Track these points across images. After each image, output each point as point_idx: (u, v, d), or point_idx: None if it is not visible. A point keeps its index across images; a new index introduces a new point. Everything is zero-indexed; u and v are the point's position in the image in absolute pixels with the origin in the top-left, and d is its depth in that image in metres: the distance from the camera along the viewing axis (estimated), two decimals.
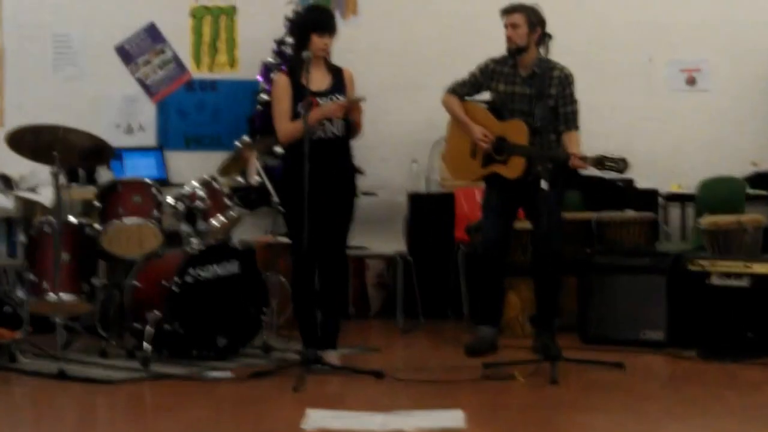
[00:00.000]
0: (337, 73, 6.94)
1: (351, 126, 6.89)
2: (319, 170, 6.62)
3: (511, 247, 7.50)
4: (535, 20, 7.25)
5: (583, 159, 7.05)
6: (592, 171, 8.82)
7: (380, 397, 6.32)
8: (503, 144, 7.25)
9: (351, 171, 7.03)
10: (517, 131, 7.21)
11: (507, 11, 7.30)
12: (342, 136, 6.87)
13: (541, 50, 7.14)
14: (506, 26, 7.28)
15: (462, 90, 7.44)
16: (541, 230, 7.08)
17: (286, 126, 6.83)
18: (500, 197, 7.35)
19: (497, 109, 7.35)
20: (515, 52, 7.26)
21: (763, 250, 7.77)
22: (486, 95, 7.50)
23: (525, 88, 7.26)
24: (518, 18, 7.24)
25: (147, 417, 6.17)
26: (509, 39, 7.26)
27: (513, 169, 7.23)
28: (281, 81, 6.91)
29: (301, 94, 6.78)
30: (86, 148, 6.99)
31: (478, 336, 7.38)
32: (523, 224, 7.67)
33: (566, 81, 7.27)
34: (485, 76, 7.38)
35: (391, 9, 9.34)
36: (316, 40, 6.79)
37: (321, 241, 6.72)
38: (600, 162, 7.04)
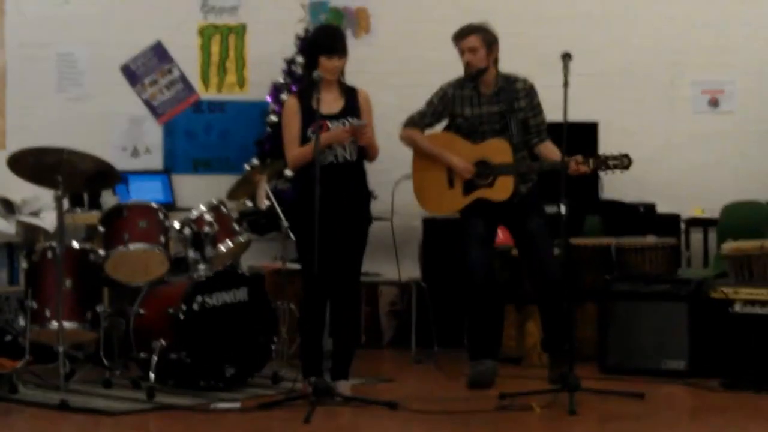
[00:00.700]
0: (351, 95, 6.94)
1: (364, 150, 6.88)
2: (330, 195, 6.61)
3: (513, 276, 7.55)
4: (491, 39, 7.25)
5: (585, 163, 7.00)
6: (613, 194, 8.85)
7: (393, 429, 6.35)
8: (487, 167, 7.17)
9: (364, 196, 7.01)
10: (500, 150, 7.16)
11: (461, 35, 7.26)
12: (354, 161, 6.86)
13: (561, 70, 6.98)
14: (462, 51, 7.24)
15: (422, 121, 7.39)
16: (541, 255, 7.13)
17: (295, 152, 6.85)
18: (483, 224, 7.26)
19: (465, 134, 7.27)
20: (476, 75, 7.22)
21: None
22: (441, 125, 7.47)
23: (493, 107, 7.23)
24: (474, 41, 7.21)
25: None
26: (468, 64, 7.23)
27: (502, 190, 7.17)
28: (290, 104, 6.94)
29: (311, 117, 6.79)
30: (91, 172, 6.99)
31: (480, 369, 7.27)
32: None
33: (532, 92, 7.27)
34: (445, 104, 7.33)
35: (404, 28, 9.34)
36: (325, 63, 6.79)
37: (333, 268, 6.70)
38: (603, 162, 7.03)
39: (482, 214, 7.25)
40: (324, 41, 6.87)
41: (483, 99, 7.26)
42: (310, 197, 6.63)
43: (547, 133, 7.27)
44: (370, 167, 7.07)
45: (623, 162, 6.99)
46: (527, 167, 7.17)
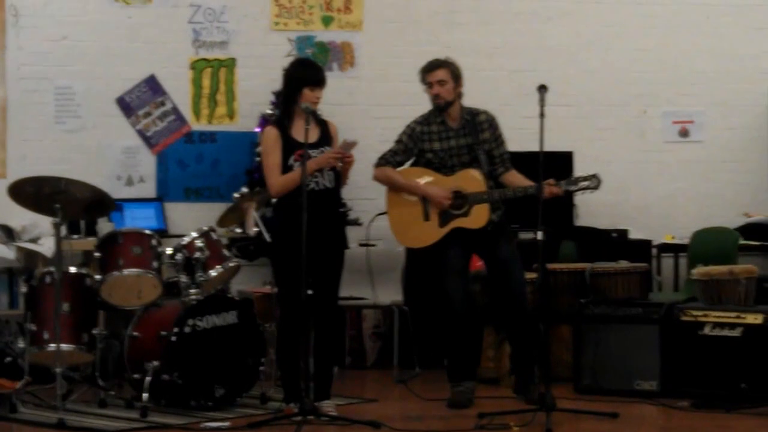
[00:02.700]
0: (323, 125, 7.01)
1: (339, 176, 6.92)
2: (311, 222, 6.60)
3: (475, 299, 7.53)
4: (458, 73, 7.34)
5: (557, 185, 7.08)
6: (587, 221, 9.01)
7: None
8: (462, 196, 7.24)
9: (341, 222, 7.08)
10: (472, 180, 7.25)
11: (430, 69, 7.35)
12: (332, 187, 6.92)
13: (537, 102, 7.09)
14: (431, 84, 7.32)
15: (394, 159, 7.42)
16: (513, 281, 7.22)
17: (276, 180, 6.87)
18: (459, 254, 7.33)
19: (435, 168, 7.35)
20: (444, 107, 7.30)
21: (756, 300, 7.74)
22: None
23: (461, 140, 7.30)
24: (443, 74, 7.30)
25: None
26: (437, 96, 7.31)
27: (477, 218, 7.24)
28: (271, 134, 6.95)
29: (290, 146, 6.85)
30: (88, 200, 7.02)
31: (459, 391, 7.35)
32: None
33: (494, 123, 7.35)
34: (414, 141, 7.38)
35: (388, 62, 9.41)
36: (308, 94, 6.85)
37: (312, 293, 6.73)
38: (573, 182, 7.11)
39: (457, 243, 7.30)
40: (309, 74, 6.92)
41: (451, 132, 7.32)
42: (291, 223, 6.68)
43: (510, 162, 7.35)
44: (354, 196, 7.18)
45: (592, 182, 7.07)
46: (501, 194, 7.21)
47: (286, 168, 6.86)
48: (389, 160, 7.44)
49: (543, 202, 6.82)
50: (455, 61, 7.40)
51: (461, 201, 7.26)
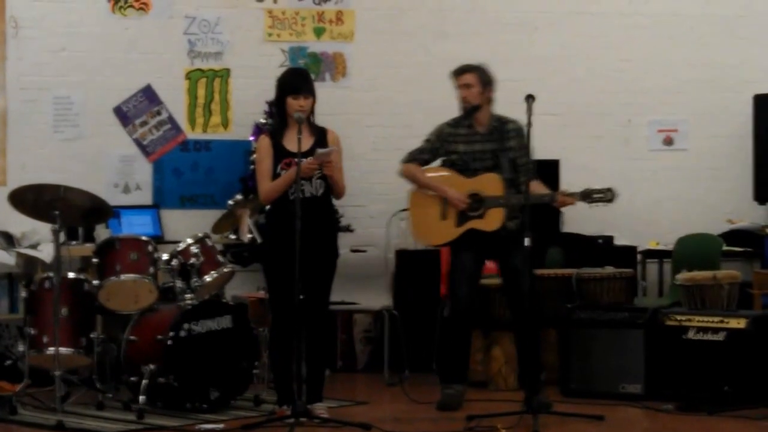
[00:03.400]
0: (321, 134, 7.00)
1: (331, 187, 6.93)
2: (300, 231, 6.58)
3: (481, 303, 7.49)
4: (487, 79, 7.39)
5: (571, 195, 7.16)
6: (574, 227, 9.09)
7: None
8: (479, 199, 7.29)
9: (331, 231, 7.07)
10: (491, 184, 7.30)
11: (458, 72, 7.42)
12: (320, 195, 6.90)
13: (525, 111, 7.17)
14: (459, 87, 7.40)
15: (420, 157, 7.49)
16: (522, 290, 7.11)
17: (264, 186, 6.91)
18: (471, 259, 7.37)
19: (460, 170, 7.41)
20: (471, 111, 7.36)
21: (739, 305, 7.81)
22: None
23: (486, 145, 7.35)
24: (470, 78, 7.37)
25: None
26: (464, 99, 7.38)
27: (491, 221, 7.28)
28: (263, 142, 7.00)
29: (281, 154, 6.88)
30: (86, 207, 7.08)
31: (450, 393, 7.39)
32: (495, 281, 7.77)
33: (521, 132, 7.31)
34: (441, 141, 7.45)
35: (379, 72, 9.46)
36: (291, 102, 6.86)
37: (301, 298, 6.69)
38: (588, 195, 7.15)
39: (471, 247, 7.33)
40: (290, 82, 6.92)
41: (477, 137, 7.38)
42: (278, 230, 6.77)
43: (535, 173, 7.34)
44: (346, 203, 7.19)
45: (606, 195, 7.12)
46: (517, 200, 7.21)
47: (276, 176, 6.91)
48: (415, 157, 7.50)
49: (531, 209, 6.87)
50: (487, 66, 7.45)
51: (478, 204, 7.31)
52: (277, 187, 6.86)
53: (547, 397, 7.19)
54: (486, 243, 7.31)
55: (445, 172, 7.47)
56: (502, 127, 7.38)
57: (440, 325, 7.90)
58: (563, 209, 8.44)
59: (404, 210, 8.04)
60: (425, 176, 7.48)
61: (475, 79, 7.38)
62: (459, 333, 7.44)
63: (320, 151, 6.79)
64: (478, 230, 7.31)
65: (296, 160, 6.75)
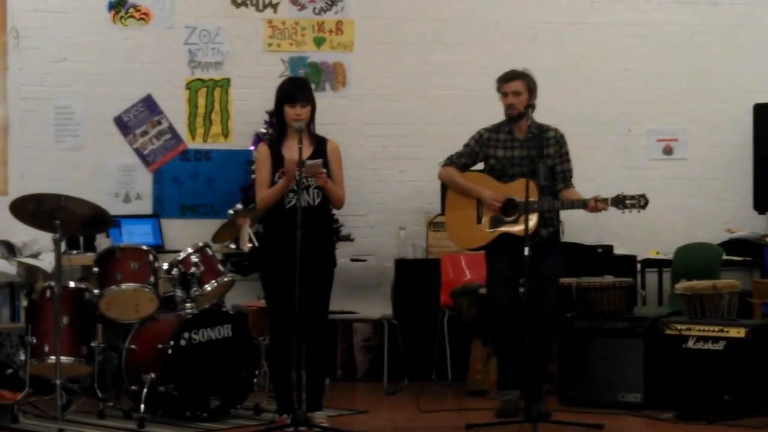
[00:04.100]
0: (320, 144, 6.99)
1: (329, 197, 6.90)
2: (294, 238, 6.57)
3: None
4: (533, 85, 7.40)
5: (603, 201, 7.16)
6: (573, 236, 9.08)
7: None
8: (513, 204, 7.28)
9: (327, 240, 7.04)
10: (525, 189, 7.19)
11: (506, 79, 7.40)
12: (317, 205, 6.88)
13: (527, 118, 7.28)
14: (506, 94, 7.37)
15: (459, 161, 7.50)
16: (546, 300, 7.21)
17: (262, 194, 6.92)
18: (506, 262, 7.32)
19: (497, 175, 7.41)
20: (516, 118, 7.35)
21: (739, 314, 7.80)
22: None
23: (524, 151, 7.31)
24: (519, 85, 7.35)
25: None
26: (511, 106, 7.35)
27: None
28: (262, 151, 7.01)
29: (280, 163, 6.88)
30: (86, 217, 7.10)
31: (506, 399, 7.39)
32: None
33: (562, 140, 7.42)
34: (480, 146, 7.46)
35: (378, 82, 9.48)
36: (288, 111, 6.86)
37: (298, 308, 6.64)
38: (620, 201, 7.17)
39: (505, 251, 7.29)
40: (286, 90, 6.92)
41: (516, 143, 7.37)
42: (274, 239, 6.80)
43: (571, 180, 7.40)
44: (345, 212, 7.19)
45: (640, 201, 7.15)
46: (551, 205, 7.23)
47: (274, 184, 6.92)
48: (454, 161, 7.52)
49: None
50: (532, 73, 7.45)
51: (513, 209, 7.30)
52: (272, 195, 6.86)
53: (548, 406, 7.20)
54: (519, 249, 7.15)
55: (480, 177, 7.49)
56: (542, 135, 7.36)
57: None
58: (563, 218, 8.37)
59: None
60: (461, 179, 7.48)
61: (523, 87, 7.37)
62: (504, 339, 7.40)
63: (309, 162, 6.77)
64: (511, 235, 7.30)
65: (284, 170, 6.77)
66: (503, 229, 7.34)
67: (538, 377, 7.27)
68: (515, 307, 7.29)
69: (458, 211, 7.48)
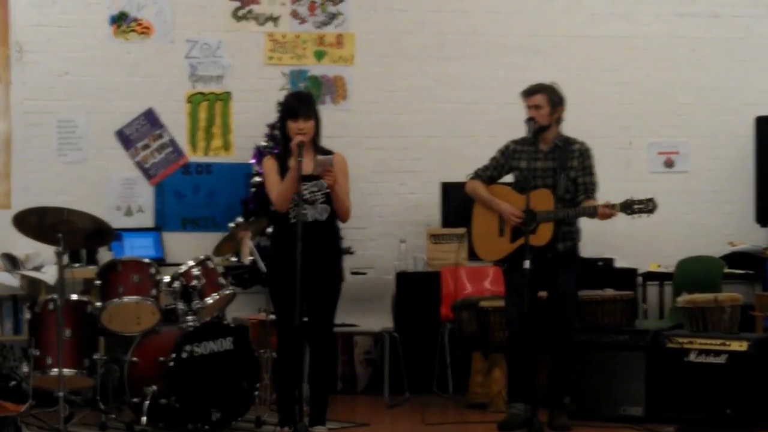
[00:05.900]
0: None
1: (336, 210, 6.89)
2: (301, 252, 6.57)
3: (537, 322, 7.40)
4: (556, 99, 7.40)
5: (612, 207, 7.19)
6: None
7: None
8: (532, 214, 7.26)
9: (335, 255, 7.01)
10: (542, 199, 7.30)
11: (528, 93, 7.42)
12: (325, 220, 6.87)
13: (526, 134, 7.32)
14: (528, 107, 7.39)
15: (485, 174, 7.53)
16: (564, 313, 7.28)
17: (275, 191, 6.85)
18: (525, 274, 7.21)
19: (520, 187, 7.41)
20: (538, 131, 7.36)
21: (741, 327, 7.83)
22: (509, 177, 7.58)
23: (547, 163, 7.36)
24: (540, 99, 7.36)
25: None
26: (532, 119, 7.36)
27: (541, 236, 7.26)
28: (270, 162, 7.01)
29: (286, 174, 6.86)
30: (89, 230, 7.12)
31: (511, 413, 7.38)
32: (495, 303, 7.82)
33: (586, 154, 7.44)
34: (506, 157, 7.48)
35: (378, 95, 9.51)
36: (291, 125, 6.85)
37: (306, 321, 6.74)
38: (628, 206, 7.21)
39: (523, 264, 7.17)
40: (289, 106, 6.92)
41: (539, 154, 7.38)
42: (281, 253, 6.78)
43: (594, 193, 7.40)
44: (346, 225, 7.03)
45: (648, 206, 7.19)
46: (564, 213, 7.24)
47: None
48: (480, 174, 7.56)
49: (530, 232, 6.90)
50: (558, 86, 7.46)
51: (531, 219, 7.28)
52: (285, 187, 6.80)
53: (566, 420, 7.21)
54: (537, 261, 7.22)
55: (504, 189, 7.51)
56: (566, 147, 7.39)
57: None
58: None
59: None
60: (485, 192, 7.50)
61: (545, 100, 7.37)
62: (518, 353, 7.36)
63: (320, 158, 6.78)
64: (529, 245, 7.28)
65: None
66: (522, 240, 7.28)
67: (559, 390, 7.30)
68: (529, 322, 7.23)
69: (483, 223, 7.53)
